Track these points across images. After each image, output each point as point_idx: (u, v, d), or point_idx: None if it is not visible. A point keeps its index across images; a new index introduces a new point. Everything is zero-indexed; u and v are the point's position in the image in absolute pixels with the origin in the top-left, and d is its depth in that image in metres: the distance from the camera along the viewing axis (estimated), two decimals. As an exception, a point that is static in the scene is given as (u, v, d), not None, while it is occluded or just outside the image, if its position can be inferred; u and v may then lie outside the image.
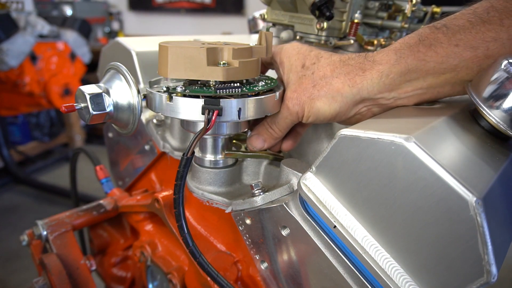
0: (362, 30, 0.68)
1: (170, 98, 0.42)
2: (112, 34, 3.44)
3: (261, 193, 0.46)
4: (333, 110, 0.44)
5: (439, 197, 0.31)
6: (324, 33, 0.62)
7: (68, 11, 3.06)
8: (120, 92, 0.44)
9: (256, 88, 0.45)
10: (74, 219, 0.69)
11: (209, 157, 0.51)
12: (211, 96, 0.42)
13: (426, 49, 0.39)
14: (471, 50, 0.38)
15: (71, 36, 2.42)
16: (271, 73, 0.56)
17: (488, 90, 0.37)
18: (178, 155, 0.62)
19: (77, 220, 0.69)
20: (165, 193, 0.59)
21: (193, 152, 0.42)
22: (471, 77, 0.39)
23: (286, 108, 0.47)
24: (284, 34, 0.65)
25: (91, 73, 2.47)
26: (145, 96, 0.46)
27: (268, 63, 0.53)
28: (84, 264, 0.66)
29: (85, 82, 2.52)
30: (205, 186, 0.52)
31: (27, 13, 2.31)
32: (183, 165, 0.42)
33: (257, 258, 0.51)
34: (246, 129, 0.51)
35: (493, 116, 0.37)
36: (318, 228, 0.41)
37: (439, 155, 0.31)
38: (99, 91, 0.43)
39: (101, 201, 0.73)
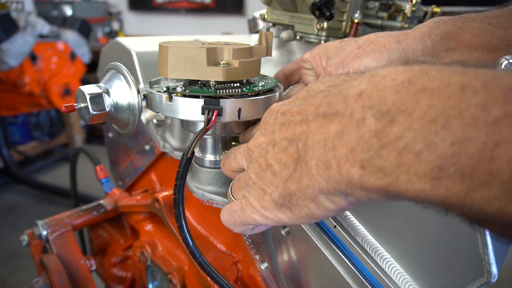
0: (362, 30, 0.68)
1: (170, 98, 0.42)
2: (112, 34, 3.44)
3: (261, 193, 0.46)
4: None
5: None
6: (324, 33, 0.62)
7: (68, 11, 3.06)
8: (120, 92, 0.44)
9: (256, 88, 0.45)
10: (74, 219, 0.69)
11: (209, 157, 0.51)
12: (211, 96, 0.42)
13: (462, 21, 0.41)
14: (502, 30, 0.39)
15: (71, 36, 2.42)
16: (270, 73, 0.55)
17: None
18: (178, 155, 0.62)
19: (77, 220, 0.69)
20: (165, 193, 0.59)
21: (193, 152, 0.42)
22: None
23: (327, 74, 0.45)
24: (284, 34, 0.65)
25: (91, 73, 2.47)
26: (145, 96, 0.46)
27: (294, 70, 0.53)
28: (84, 264, 0.66)
29: (85, 82, 2.52)
30: (205, 186, 0.52)
31: (27, 13, 2.31)
32: (183, 165, 0.42)
33: (257, 258, 0.51)
34: (246, 129, 0.51)
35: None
36: (318, 228, 0.41)
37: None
38: (99, 91, 0.43)
39: (101, 201, 0.73)
